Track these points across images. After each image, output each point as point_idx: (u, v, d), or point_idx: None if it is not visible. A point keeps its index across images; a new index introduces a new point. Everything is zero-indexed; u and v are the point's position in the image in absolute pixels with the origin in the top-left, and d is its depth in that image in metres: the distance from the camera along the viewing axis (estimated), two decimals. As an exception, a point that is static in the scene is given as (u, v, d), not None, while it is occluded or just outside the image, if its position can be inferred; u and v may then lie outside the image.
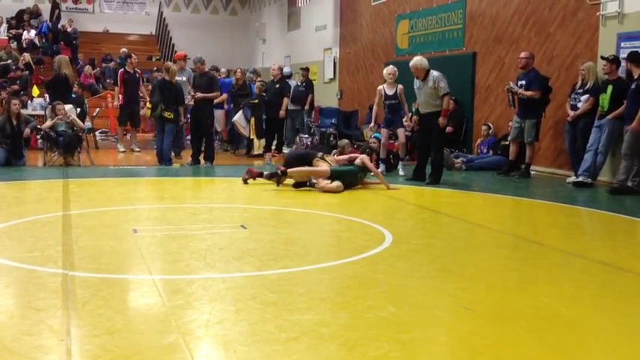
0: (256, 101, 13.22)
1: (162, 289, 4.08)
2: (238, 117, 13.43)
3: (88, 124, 13.22)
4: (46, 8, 22.90)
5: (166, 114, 10.96)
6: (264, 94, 13.44)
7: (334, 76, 18.12)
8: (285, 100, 13.61)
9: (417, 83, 9.39)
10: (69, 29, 21.73)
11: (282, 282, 4.32)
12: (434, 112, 9.17)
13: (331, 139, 14.11)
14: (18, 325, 3.44)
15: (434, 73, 9.18)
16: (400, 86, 10.23)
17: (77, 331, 3.34)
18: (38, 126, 11.69)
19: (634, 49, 8.93)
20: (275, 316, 3.60)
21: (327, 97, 18.00)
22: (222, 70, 16.02)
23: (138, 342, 3.23)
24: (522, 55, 10.37)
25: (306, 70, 15.73)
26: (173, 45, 22.72)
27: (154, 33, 25.00)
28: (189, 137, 12.64)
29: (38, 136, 12.44)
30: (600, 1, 9.71)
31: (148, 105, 11.24)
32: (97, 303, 3.77)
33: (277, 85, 13.73)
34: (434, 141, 9.34)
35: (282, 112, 13.46)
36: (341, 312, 3.73)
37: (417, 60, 9.30)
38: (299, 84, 15.29)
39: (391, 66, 10.65)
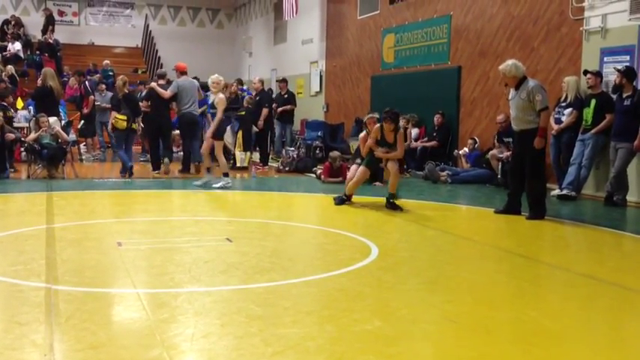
0: (242, 113, 13.24)
1: (147, 303, 4.05)
2: (225, 134, 13.47)
3: (72, 136, 13.15)
4: (29, 20, 22.81)
5: (134, 125, 11.55)
6: (251, 106, 13.47)
7: (320, 89, 18.17)
8: (264, 111, 13.67)
9: (510, 93, 7.75)
10: (50, 40, 21.60)
11: (267, 295, 4.30)
12: (528, 130, 7.51)
13: (317, 151, 14.13)
14: (0, 339, 3.39)
15: (530, 82, 7.55)
16: None
17: (60, 345, 3.31)
18: (22, 139, 11.61)
19: (618, 64, 9.03)
20: (261, 329, 3.58)
21: (313, 110, 18.04)
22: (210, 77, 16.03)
23: (122, 356, 3.20)
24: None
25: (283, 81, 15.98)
26: (159, 58, 22.70)
27: (140, 45, 24.97)
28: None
29: (22, 149, 12.34)
30: (583, 17, 9.83)
31: (120, 117, 11.31)
32: (81, 317, 3.74)
33: (258, 97, 13.84)
34: (528, 167, 7.60)
35: (259, 123, 13.54)
36: (327, 325, 3.72)
37: (506, 65, 7.61)
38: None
39: None
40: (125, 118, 11.29)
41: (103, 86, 15.90)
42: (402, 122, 13.21)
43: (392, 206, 8.27)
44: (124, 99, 11.48)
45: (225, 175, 10.15)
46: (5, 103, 12.39)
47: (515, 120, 7.72)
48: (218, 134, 10.15)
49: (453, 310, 4.06)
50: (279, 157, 14.17)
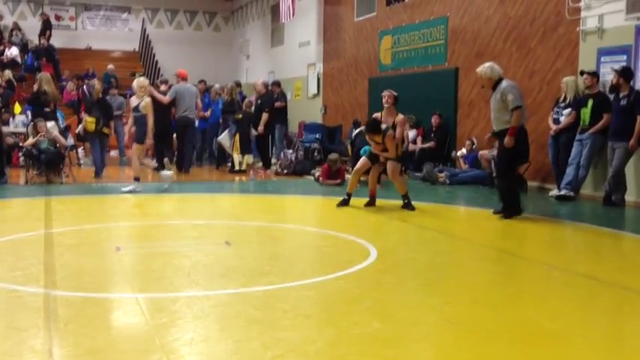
0: (240, 117, 13.25)
1: (146, 308, 4.04)
2: (223, 137, 13.52)
3: (70, 140, 13.15)
4: (27, 25, 22.81)
5: (105, 130, 11.88)
6: (248, 109, 13.48)
7: (318, 92, 18.18)
8: (264, 116, 13.65)
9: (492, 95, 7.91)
10: (45, 44, 21.58)
11: (267, 299, 4.30)
12: (505, 130, 7.60)
13: (315, 154, 14.12)
14: (-2, 345, 3.39)
15: (503, 83, 7.62)
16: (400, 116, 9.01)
17: (59, 351, 3.30)
18: (20, 144, 11.60)
19: (615, 64, 9.04)
20: (260, 333, 3.58)
21: (311, 112, 18.04)
22: (216, 86, 16.08)
23: (121, 361, 3.19)
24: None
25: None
26: (156, 61, 22.69)
27: (137, 49, 24.97)
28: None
29: (20, 154, 12.33)
30: (580, 17, 9.84)
31: (89, 119, 11.57)
32: (80, 322, 3.73)
33: (259, 101, 13.83)
34: (498, 165, 7.86)
35: (260, 128, 13.52)
36: (326, 328, 3.72)
37: (481, 67, 7.81)
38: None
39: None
40: (94, 120, 11.52)
41: (115, 90, 15.96)
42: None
43: (406, 207, 8.35)
44: (97, 103, 11.76)
45: (137, 179, 10.08)
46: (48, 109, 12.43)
47: (494, 121, 7.80)
48: (138, 138, 10.02)
49: (452, 312, 4.06)
50: (278, 159, 14.17)
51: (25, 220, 7.61)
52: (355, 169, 8.73)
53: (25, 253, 5.62)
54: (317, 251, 6.24)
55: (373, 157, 8.60)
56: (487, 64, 7.80)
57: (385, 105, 8.70)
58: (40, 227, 6.76)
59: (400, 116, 8.62)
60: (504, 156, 7.68)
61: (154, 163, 10.91)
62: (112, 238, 6.43)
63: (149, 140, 10.01)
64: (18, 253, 5.62)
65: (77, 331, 3.58)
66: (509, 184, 7.76)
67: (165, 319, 3.82)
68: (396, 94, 8.84)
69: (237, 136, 13.20)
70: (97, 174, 11.92)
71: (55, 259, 5.34)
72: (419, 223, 7.54)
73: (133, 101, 10.16)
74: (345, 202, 8.51)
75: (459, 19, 12.62)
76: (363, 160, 8.66)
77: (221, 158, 14.21)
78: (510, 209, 7.70)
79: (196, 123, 14.03)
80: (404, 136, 9.31)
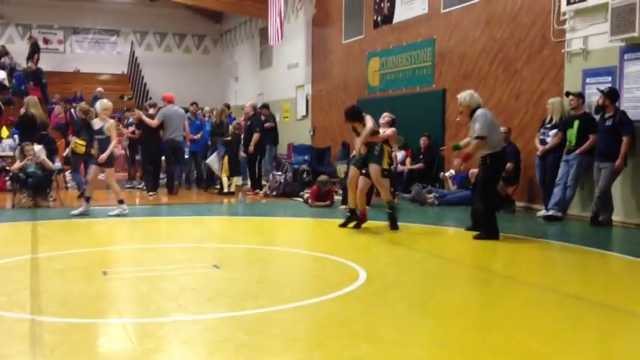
0: (229, 138, 13.27)
1: (133, 333, 4.00)
2: (211, 160, 13.53)
3: (57, 164, 13.09)
4: (15, 48, 22.78)
5: (92, 150, 11.51)
6: (237, 131, 13.51)
7: (307, 114, 18.24)
8: (255, 136, 13.64)
9: None
10: (33, 68, 21.52)
11: (256, 322, 4.27)
12: (484, 155, 7.81)
13: (304, 175, 14.12)
14: (-18, 373, 3.34)
15: (477, 111, 7.76)
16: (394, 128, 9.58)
17: (44, 378, 3.26)
18: (7, 167, 11.54)
19: (600, 85, 9.13)
20: (249, 358, 3.55)
21: (300, 134, 18.09)
22: (206, 109, 16.13)
23: (107, 389, 3.15)
24: None
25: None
26: (145, 84, 22.73)
27: (125, 72, 25.00)
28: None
29: (7, 178, 12.25)
30: (565, 39, 9.96)
31: (80, 142, 11.51)
32: (66, 349, 3.68)
33: (249, 122, 13.85)
34: (478, 188, 8.04)
35: (250, 148, 13.50)
36: (316, 352, 3.69)
37: (461, 94, 7.97)
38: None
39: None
40: (84, 143, 11.49)
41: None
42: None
43: (390, 217, 8.39)
44: (86, 126, 11.70)
45: (121, 202, 9.98)
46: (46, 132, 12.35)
47: None
48: (108, 162, 9.93)
49: (443, 334, 4.05)
50: (267, 181, 14.15)
51: (11, 244, 7.54)
52: (347, 181, 8.84)
53: (10, 279, 5.56)
54: (306, 274, 6.22)
55: (359, 164, 8.61)
56: (467, 92, 7.95)
57: (381, 121, 9.25)
58: (26, 252, 6.70)
59: (393, 128, 9.17)
60: (485, 179, 7.82)
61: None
62: (98, 263, 6.37)
63: (102, 156, 9.76)
64: (3, 279, 5.56)
65: (63, 358, 3.53)
66: (485, 207, 7.82)
67: (153, 344, 3.79)
68: (393, 116, 9.34)
69: (226, 158, 13.20)
70: (82, 195, 11.81)
71: (41, 284, 5.29)
72: (408, 245, 7.54)
73: (96, 123, 10.05)
74: (350, 220, 8.54)
75: (445, 41, 12.74)
76: (352, 170, 8.72)
77: (209, 180, 14.20)
78: (488, 231, 7.71)
79: (185, 146, 14.07)
80: (391, 144, 9.35)
